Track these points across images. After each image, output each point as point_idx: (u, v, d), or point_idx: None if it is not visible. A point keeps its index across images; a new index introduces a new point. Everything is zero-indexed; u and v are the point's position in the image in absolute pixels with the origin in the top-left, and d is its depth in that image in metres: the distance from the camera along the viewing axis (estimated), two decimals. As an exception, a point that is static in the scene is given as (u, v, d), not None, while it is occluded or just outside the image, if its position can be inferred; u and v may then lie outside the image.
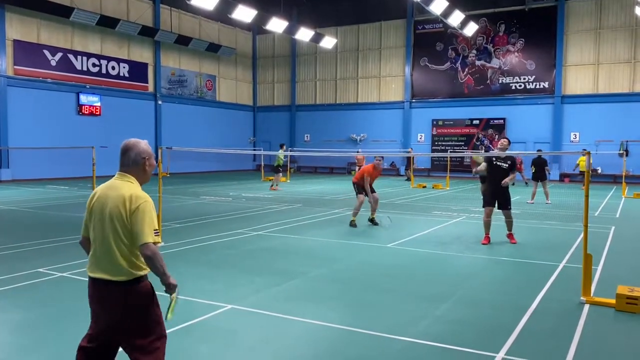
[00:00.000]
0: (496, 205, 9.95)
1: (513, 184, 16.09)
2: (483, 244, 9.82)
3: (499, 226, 11.43)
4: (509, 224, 10.04)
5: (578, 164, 23.72)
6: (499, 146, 10.17)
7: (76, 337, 4.89)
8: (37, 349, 4.68)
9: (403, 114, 33.66)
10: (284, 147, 22.57)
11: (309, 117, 37.11)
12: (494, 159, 9.94)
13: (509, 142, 10.27)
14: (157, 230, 3.04)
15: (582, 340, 4.89)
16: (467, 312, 5.73)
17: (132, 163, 3.18)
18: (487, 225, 9.99)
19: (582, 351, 4.62)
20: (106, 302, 3.06)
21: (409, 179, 26.56)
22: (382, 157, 12.64)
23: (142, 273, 3.09)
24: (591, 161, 23.86)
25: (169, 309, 3.15)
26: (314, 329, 5.20)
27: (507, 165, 9.82)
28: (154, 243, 2.99)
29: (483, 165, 10.10)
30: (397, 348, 4.68)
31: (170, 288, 3.12)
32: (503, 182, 9.67)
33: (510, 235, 10.05)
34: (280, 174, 21.75)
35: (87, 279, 3.18)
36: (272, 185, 21.45)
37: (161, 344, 3.15)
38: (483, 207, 10.09)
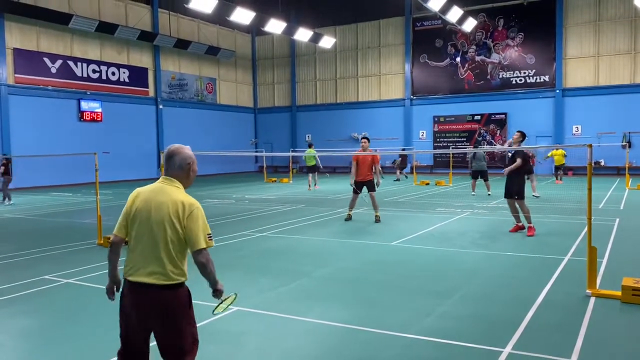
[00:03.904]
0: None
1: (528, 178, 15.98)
2: (510, 231, 10.31)
3: (506, 222, 11.42)
4: (526, 218, 10.19)
5: (549, 157, 23.05)
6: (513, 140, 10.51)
7: (82, 343, 4.92)
8: (43, 355, 4.69)
9: (404, 112, 33.64)
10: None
11: (310, 117, 37.11)
12: (508, 152, 10.42)
13: (520, 135, 10.36)
14: (210, 234, 3.13)
15: (588, 333, 4.88)
16: (473, 307, 5.73)
17: (177, 168, 3.21)
18: (515, 218, 10.43)
19: (588, 344, 4.62)
20: (147, 306, 3.07)
21: (398, 180, 26.07)
22: (367, 138, 12.69)
23: (184, 279, 3.15)
24: (564, 153, 23.12)
25: (222, 302, 3.29)
26: (319, 328, 5.21)
27: (511, 154, 10.29)
28: (207, 247, 3.10)
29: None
30: (402, 345, 4.68)
31: (217, 293, 3.26)
32: (504, 170, 10.26)
33: (528, 228, 10.14)
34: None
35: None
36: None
37: (195, 348, 3.23)
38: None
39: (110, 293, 3.37)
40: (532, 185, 16.84)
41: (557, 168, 23.20)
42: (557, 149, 19.85)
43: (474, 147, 26.58)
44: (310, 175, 22.14)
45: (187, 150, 3.27)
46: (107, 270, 3.42)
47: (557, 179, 23.23)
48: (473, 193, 18.02)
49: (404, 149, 30.30)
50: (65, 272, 7.57)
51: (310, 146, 23.41)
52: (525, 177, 17.00)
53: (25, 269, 7.91)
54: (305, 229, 11.46)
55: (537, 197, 16.35)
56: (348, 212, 12.56)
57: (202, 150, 29.64)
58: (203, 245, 3.06)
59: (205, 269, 3.11)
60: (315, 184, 22.04)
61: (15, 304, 6.18)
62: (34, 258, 8.80)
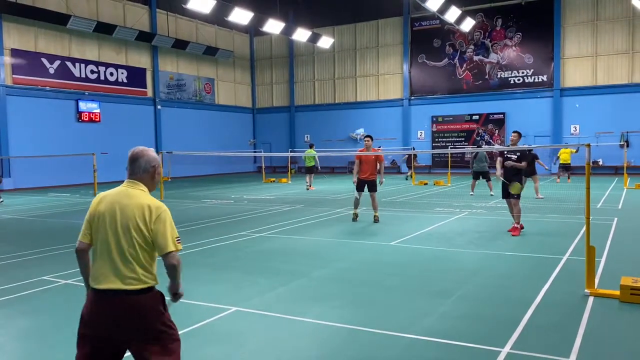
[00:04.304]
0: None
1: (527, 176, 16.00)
2: (509, 231, 10.31)
3: (504, 221, 11.44)
4: (517, 217, 10.25)
5: (559, 157, 23.07)
6: (510, 140, 10.57)
7: (82, 343, 4.92)
8: (43, 357, 4.69)
9: (402, 112, 33.67)
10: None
11: (308, 118, 37.12)
12: (506, 152, 10.46)
13: (518, 136, 10.45)
14: (178, 237, 3.07)
15: (587, 332, 4.89)
16: (472, 307, 5.74)
17: (142, 171, 3.16)
18: (513, 216, 10.44)
19: (587, 343, 4.63)
20: (119, 314, 2.95)
21: (408, 178, 26.48)
22: (369, 136, 12.51)
23: (155, 282, 3.07)
24: (573, 152, 23.38)
25: None
26: (319, 329, 5.21)
27: (516, 156, 10.25)
28: (177, 251, 3.04)
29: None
30: (402, 345, 4.69)
31: (176, 297, 3.16)
32: (506, 163, 10.18)
33: (514, 228, 10.19)
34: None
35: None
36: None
37: (177, 348, 3.12)
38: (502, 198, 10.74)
39: None
40: (535, 186, 16.77)
41: (561, 166, 23.15)
42: (565, 148, 19.89)
43: (477, 147, 26.41)
44: (308, 175, 22.20)
45: (152, 152, 3.22)
46: None
47: (558, 178, 23.15)
48: (471, 193, 18.00)
49: (414, 148, 30.74)
50: (64, 273, 7.57)
51: (311, 146, 23.54)
52: (524, 178, 17.07)
53: (24, 270, 7.90)
54: (304, 229, 11.47)
55: (541, 198, 16.27)
56: (354, 211, 12.36)
57: (201, 151, 29.67)
58: (172, 248, 3.00)
59: (175, 271, 3.04)
60: (309, 185, 22.07)
61: (15, 305, 6.17)
62: (32, 259, 8.79)
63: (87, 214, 3.15)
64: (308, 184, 22.01)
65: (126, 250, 2.98)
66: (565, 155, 22.31)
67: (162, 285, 3.14)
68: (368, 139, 12.36)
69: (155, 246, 3.02)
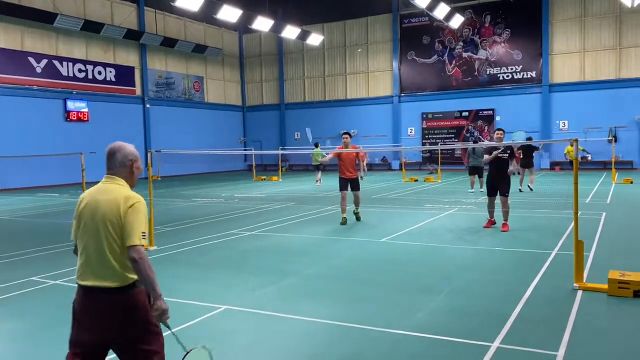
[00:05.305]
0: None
1: (514, 174, 16.25)
2: (485, 227, 10.46)
3: (495, 217, 11.47)
4: (505, 213, 10.24)
5: (567, 153, 24.17)
6: (495, 138, 10.57)
7: (72, 344, 4.89)
8: (34, 357, 4.66)
9: (392, 109, 33.73)
10: None
11: (299, 115, 37.07)
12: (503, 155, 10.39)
13: (504, 132, 10.56)
14: (144, 233, 2.94)
15: (575, 325, 4.94)
16: (461, 303, 5.77)
17: (119, 165, 3.11)
18: (491, 213, 10.61)
19: (576, 336, 4.67)
20: (103, 311, 2.90)
21: (432, 172, 27.13)
22: (348, 133, 12.31)
23: (135, 279, 2.95)
24: (581, 148, 24.02)
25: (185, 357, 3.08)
26: (309, 326, 5.21)
27: (507, 155, 10.21)
28: (141, 245, 2.89)
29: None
30: (392, 341, 4.70)
31: (156, 306, 2.88)
32: (509, 171, 10.15)
33: (503, 224, 10.21)
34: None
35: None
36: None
37: (161, 347, 3.05)
38: (487, 195, 10.72)
39: None
40: (531, 178, 17.12)
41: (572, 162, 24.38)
42: (571, 145, 20.58)
43: (473, 142, 26.56)
44: (318, 172, 23.47)
45: (130, 147, 3.18)
46: None
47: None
48: (471, 190, 17.32)
49: (435, 143, 31.43)
50: (53, 273, 7.51)
51: (316, 145, 24.66)
52: (523, 169, 17.26)
53: (13, 271, 7.83)
54: (294, 227, 11.46)
55: (531, 190, 16.59)
56: (342, 216, 11.70)
57: (191, 149, 29.53)
58: (137, 241, 2.86)
59: (138, 268, 2.83)
60: (318, 181, 23.12)
61: (4, 306, 6.12)
62: (21, 259, 8.72)
63: (74, 217, 3.14)
64: (318, 179, 23.18)
65: (103, 246, 2.91)
66: (572, 153, 23.14)
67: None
68: (346, 135, 12.01)
69: (123, 236, 2.90)
